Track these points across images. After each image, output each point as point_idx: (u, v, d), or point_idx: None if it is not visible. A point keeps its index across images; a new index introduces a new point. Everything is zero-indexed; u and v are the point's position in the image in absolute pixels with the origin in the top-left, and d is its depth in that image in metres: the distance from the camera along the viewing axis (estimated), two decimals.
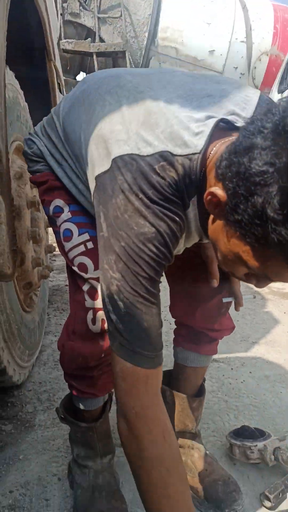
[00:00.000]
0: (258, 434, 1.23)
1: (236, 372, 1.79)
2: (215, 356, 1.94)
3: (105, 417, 1.09)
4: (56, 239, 0.96)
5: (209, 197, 0.67)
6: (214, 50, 5.95)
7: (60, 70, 2.11)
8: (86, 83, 0.91)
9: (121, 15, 5.74)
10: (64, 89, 2.25)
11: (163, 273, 0.78)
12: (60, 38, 5.28)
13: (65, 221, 0.92)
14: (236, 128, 0.72)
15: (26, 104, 1.59)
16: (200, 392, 1.19)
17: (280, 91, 4.37)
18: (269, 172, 0.57)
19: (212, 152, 0.71)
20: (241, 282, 0.96)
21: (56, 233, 0.95)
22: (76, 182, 0.90)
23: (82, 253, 0.89)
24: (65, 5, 5.78)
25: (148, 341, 0.73)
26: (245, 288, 2.91)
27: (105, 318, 0.77)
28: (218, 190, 0.66)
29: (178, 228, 0.74)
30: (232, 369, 1.82)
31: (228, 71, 6.03)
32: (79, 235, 0.90)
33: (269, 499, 1.07)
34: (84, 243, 0.90)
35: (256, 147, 0.59)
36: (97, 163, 0.77)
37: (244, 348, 2.02)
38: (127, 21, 5.80)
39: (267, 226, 0.58)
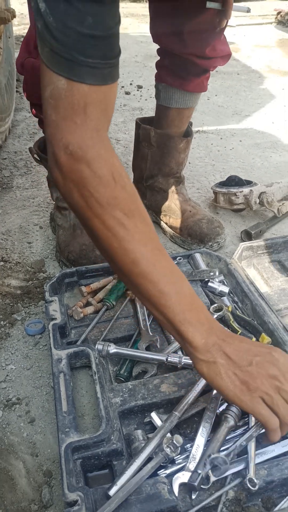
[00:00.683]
0: (245, 182, 1.18)
1: (225, 140, 1.68)
2: (203, 128, 1.82)
3: None
4: None
5: None
6: None
7: None
8: None
9: None
10: None
11: None
12: None
13: None
14: None
15: None
16: (187, 133, 1.09)
17: None
18: None
19: None
20: None
21: None
22: None
23: None
24: None
25: (92, 42, 0.51)
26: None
27: None
28: None
29: None
30: (221, 138, 1.70)
31: None
32: None
33: (249, 234, 1.08)
34: None
35: None
36: None
37: (236, 120, 1.87)
38: None
39: None
